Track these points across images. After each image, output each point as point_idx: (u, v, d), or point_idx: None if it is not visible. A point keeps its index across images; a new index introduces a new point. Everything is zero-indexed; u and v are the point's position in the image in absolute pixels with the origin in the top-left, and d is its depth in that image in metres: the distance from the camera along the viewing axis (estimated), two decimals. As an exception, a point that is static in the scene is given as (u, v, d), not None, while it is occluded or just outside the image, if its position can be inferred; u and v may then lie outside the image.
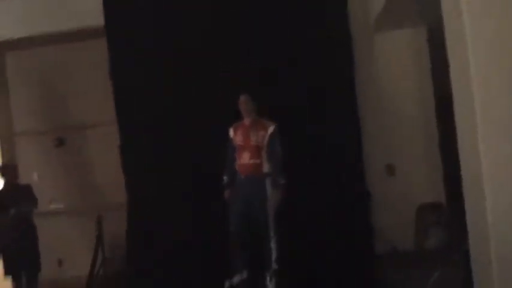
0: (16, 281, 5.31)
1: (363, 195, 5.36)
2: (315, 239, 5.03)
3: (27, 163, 6.26)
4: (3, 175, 5.33)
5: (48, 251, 5.82)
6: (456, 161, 3.62)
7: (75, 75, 6.25)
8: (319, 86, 5.35)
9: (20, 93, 6.41)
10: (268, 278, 4.59)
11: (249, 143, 4.59)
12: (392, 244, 5.45)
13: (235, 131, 4.72)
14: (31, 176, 6.18)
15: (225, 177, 4.77)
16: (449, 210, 5.33)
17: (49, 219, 6.09)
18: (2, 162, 5.90)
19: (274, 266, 4.58)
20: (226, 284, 4.68)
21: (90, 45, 6.10)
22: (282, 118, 4.84)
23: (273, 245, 4.56)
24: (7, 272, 5.30)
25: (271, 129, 4.60)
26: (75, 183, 6.32)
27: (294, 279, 4.62)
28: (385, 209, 5.50)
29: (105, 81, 5.74)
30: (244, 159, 4.59)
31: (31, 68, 6.36)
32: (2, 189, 5.30)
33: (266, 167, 4.60)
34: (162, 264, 5.26)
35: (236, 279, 4.68)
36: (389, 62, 5.71)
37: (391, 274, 4.91)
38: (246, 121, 4.69)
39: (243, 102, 4.66)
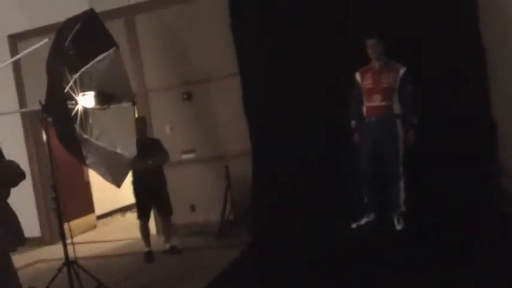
0: (143, 224, 5.75)
1: (490, 127, 5.13)
2: (440, 180, 4.94)
3: (160, 117, 6.65)
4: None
5: (181, 198, 6.34)
6: None
7: (198, 32, 6.43)
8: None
9: (149, 52, 6.70)
10: (395, 220, 4.66)
11: (381, 85, 4.62)
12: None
13: (362, 75, 4.76)
14: (164, 128, 6.61)
15: (352, 122, 4.86)
16: None
17: (181, 168, 6.52)
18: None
19: (403, 207, 4.66)
20: (353, 225, 4.82)
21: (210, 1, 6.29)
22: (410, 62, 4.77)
23: (401, 185, 4.63)
24: (141, 216, 5.75)
25: (402, 71, 4.60)
26: (203, 134, 6.59)
27: (421, 221, 4.60)
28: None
29: (227, 34, 5.97)
30: (375, 101, 4.65)
31: (158, 28, 6.64)
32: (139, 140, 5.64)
33: (397, 108, 4.64)
34: (286, 208, 5.41)
35: (364, 221, 4.81)
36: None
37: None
38: (376, 64, 4.71)
39: (371, 46, 4.66)
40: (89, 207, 8.28)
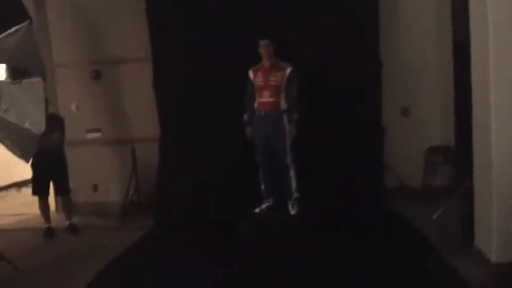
0: (42, 201, 5.70)
1: (378, 130, 5.76)
2: (331, 169, 5.47)
3: (66, 94, 6.48)
4: None
5: (84, 177, 6.30)
6: (468, 107, 3.97)
7: (112, 11, 6.34)
8: (343, 26, 5.54)
9: (59, 25, 6.48)
10: (290, 206, 5.07)
11: (269, 83, 4.97)
12: (402, 180, 5.94)
13: (255, 73, 5.08)
14: (70, 106, 6.46)
15: (245, 115, 5.17)
16: (457, 152, 5.73)
17: (86, 148, 6.43)
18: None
19: (295, 194, 5.05)
20: (256, 210, 5.13)
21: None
22: (302, 60, 5.16)
23: (291, 174, 5.02)
24: (35, 193, 5.69)
25: (288, 70, 4.96)
26: (111, 115, 6.52)
27: (313, 207, 5.03)
28: (398, 147, 5.91)
29: (142, 18, 5.94)
30: (265, 97, 4.98)
31: (70, 2, 6.44)
32: None
33: (284, 104, 4.98)
34: (191, 195, 5.63)
35: (264, 205, 5.17)
36: (411, 8, 5.93)
37: (399, 207, 5.42)
38: (266, 63, 5.03)
39: (264, 46, 4.96)
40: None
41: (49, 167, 5.60)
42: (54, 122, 5.59)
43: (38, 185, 5.68)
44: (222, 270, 4.12)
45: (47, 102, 5.51)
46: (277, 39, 5.04)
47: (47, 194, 5.77)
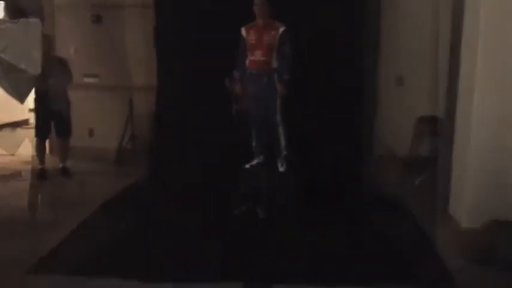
0: (41, 142, 5.83)
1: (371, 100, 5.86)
2: (322, 133, 5.54)
3: (65, 37, 6.47)
4: None
5: (80, 121, 6.26)
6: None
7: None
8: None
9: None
10: (279, 163, 5.18)
11: (262, 42, 4.98)
12: (391, 148, 6.01)
13: (247, 31, 5.08)
14: (68, 49, 6.40)
15: (235, 72, 5.19)
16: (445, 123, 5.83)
17: (82, 92, 6.38)
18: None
19: (284, 152, 5.15)
20: (246, 166, 5.21)
21: None
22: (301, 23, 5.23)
23: (281, 131, 5.10)
24: (38, 134, 5.81)
25: (281, 29, 4.96)
26: (109, 60, 6.52)
27: (302, 166, 5.13)
28: (390, 116, 5.99)
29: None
30: (256, 56, 5.00)
31: None
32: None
33: (275, 64, 5.02)
34: (185, 145, 5.72)
35: (255, 162, 5.26)
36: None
37: (386, 175, 5.55)
38: (260, 22, 5.02)
39: (259, 4, 4.96)
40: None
41: (53, 110, 5.68)
42: (59, 65, 5.70)
43: (41, 128, 5.78)
44: (209, 223, 4.26)
45: (51, 42, 5.68)
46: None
47: (47, 136, 5.89)
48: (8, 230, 4.14)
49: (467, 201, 3.79)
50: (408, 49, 5.90)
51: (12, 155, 6.79)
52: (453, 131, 4.13)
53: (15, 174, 5.92)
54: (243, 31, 5.11)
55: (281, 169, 5.17)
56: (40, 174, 5.72)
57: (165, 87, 6.11)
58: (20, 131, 8.67)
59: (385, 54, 5.89)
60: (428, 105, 5.93)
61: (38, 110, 5.75)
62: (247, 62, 5.11)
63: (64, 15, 6.59)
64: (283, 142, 5.14)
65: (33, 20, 4.53)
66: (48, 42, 5.59)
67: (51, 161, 6.05)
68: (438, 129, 5.72)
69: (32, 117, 9.34)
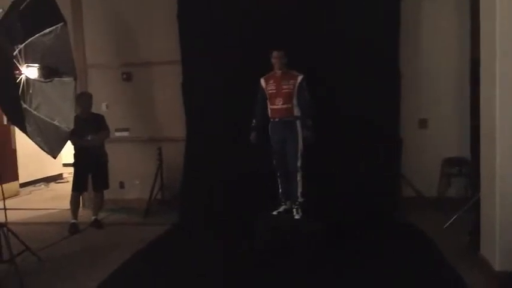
0: (77, 196, 5.94)
1: (397, 141, 5.90)
2: (348, 179, 5.61)
3: (97, 94, 6.57)
4: (79, 103, 5.67)
5: (111, 174, 6.34)
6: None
7: (145, 15, 6.67)
8: (365, 41, 5.72)
9: (93, 27, 6.83)
10: (294, 210, 5.12)
11: (281, 90, 5.09)
12: (418, 190, 6.03)
13: (266, 81, 5.22)
14: (100, 106, 6.71)
15: (254, 121, 5.32)
16: (472, 164, 5.78)
17: (114, 146, 6.53)
18: (80, 91, 6.10)
19: (300, 199, 5.11)
20: (274, 213, 5.21)
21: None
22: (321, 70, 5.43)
23: (299, 178, 5.10)
24: (75, 188, 5.90)
25: (300, 78, 5.09)
26: (139, 115, 6.82)
27: (321, 214, 5.08)
28: (415, 158, 6.03)
29: (173, 22, 6.27)
30: (277, 104, 5.10)
31: (105, 5, 6.81)
32: (80, 116, 5.69)
33: (296, 111, 5.11)
34: (214, 195, 5.88)
35: (282, 208, 5.26)
36: (433, 25, 6.06)
37: (414, 216, 5.51)
38: (278, 73, 5.15)
39: (277, 56, 5.11)
40: (12, 175, 8.33)
41: (91, 164, 5.89)
42: (98, 120, 5.97)
43: (79, 182, 5.92)
44: (235, 269, 4.29)
45: (89, 99, 5.94)
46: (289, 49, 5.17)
47: (83, 190, 6.05)
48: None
49: (498, 242, 3.73)
50: (430, 92, 6.02)
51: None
52: (479, 172, 4.10)
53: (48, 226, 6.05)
54: (262, 82, 5.27)
55: (297, 216, 5.10)
56: (72, 228, 5.79)
57: (193, 138, 6.32)
58: (54, 185, 8.92)
59: (407, 97, 5.98)
60: (454, 147, 6.00)
61: (77, 164, 5.92)
62: (269, 112, 5.22)
63: (96, 74, 6.93)
64: (300, 189, 5.12)
65: (66, 79, 4.76)
66: (88, 99, 5.93)
67: (83, 215, 6.19)
68: (466, 170, 5.74)
69: (64, 172, 9.77)
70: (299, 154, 5.09)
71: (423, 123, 6.12)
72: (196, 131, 6.31)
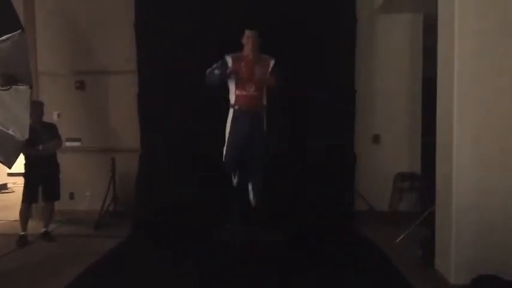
0: (27, 208, 5.70)
1: (350, 157, 6.07)
2: (304, 190, 5.75)
3: (49, 103, 6.39)
4: (31, 111, 5.22)
5: (61, 185, 6.21)
6: (434, 138, 4.24)
7: (100, 23, 6.55)
8: (321, 59, 5.89)
9: (46, 34, 6.64)
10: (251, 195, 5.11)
11: (254, 76, 4.70)
12: (371, 204, 6.20)
13: (234, 62, 4.74)
14: (51, 114, 6.51)
15: (216, 71, 4.78)
16: (423, 179, 6.04)
17: (64, 155, 6.35)
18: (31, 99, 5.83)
19: (257, 199, 5.12)
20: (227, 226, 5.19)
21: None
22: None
23: (260, 176, 5.06)
24: (26, 200, 5.67)
25: (271, 62, 4.83)
26: (92, 125, 6.67)
27: (277, 217, 5.26)
28: (368, 173, 6.23)
29: (129, 32, 6.20)
30: (248, 91, 4.71)
31: (59, 11, 6.62)
32: (31, 125, 5.26)
33: (264, 100, 4.84)
34: (168, 206, 5.79)
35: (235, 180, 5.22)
36: (386, 44, 6.29)
37: (367, 230, 5.67)
38: (250, 55, 4.75)
39: (251, 36, 4.73)
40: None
41: (43, 174, 5.69)
42: (50, 129, 5.77)
43: (30, 193, 5.70)
44: (191, 281, 4.23)
45: (41, 108, 5.76)
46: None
47: (34, 201, 5.82)
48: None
49: (453, 256, 3.89)
50: (383, 109, 6.24)
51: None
52: (434, 187, 4.28)
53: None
54: (229, 60, 4.80)
55: (253, 202, 5.11)
56: (21, 240, 5.57)
57: (147, 149, 6.25)
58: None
59: (361, 114, 6.17)
60: (405, 162, 6.22)
61: (28, 174, 5.70)
62: (232, 99, 4.83)
63: (48, 81, 6.72)
64: (260, 187, 5.11)
65: (23, 88, 4.60)
66: (40, 108, 5.73)
67: (33, 226, 5.94)
68: (417, 185, 5.97)
69: (9, 182, 9.38)
70: (264, 157, 4.93)
71: (376, 139, 6.32)
72: (151, 142, 6.25)
